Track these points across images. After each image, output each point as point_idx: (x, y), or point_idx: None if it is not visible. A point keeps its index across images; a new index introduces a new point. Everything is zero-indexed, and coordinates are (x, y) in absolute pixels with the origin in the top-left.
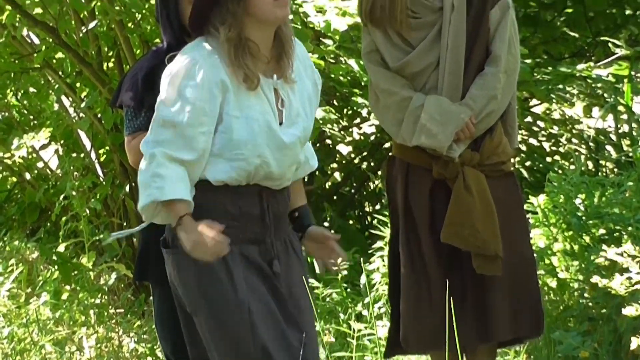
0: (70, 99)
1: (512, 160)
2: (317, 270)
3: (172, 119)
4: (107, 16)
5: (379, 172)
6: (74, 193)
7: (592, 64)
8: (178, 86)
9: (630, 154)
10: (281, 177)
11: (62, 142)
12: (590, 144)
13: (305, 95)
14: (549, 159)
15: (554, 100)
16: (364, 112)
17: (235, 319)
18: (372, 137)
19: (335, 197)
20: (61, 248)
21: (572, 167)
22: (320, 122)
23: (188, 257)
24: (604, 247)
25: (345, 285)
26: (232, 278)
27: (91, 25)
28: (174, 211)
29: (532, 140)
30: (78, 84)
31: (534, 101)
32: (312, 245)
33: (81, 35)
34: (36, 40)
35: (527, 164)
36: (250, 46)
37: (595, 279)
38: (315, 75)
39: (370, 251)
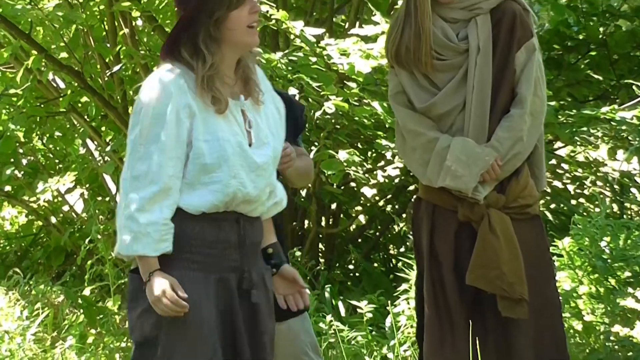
0: (95, 142)
1: (538, 202)
2: (336, 313)
3: (146, 152)
4: (132, 60)
5: (404, 215)
6: (99, 236)
7: (616, 106)
8: (149, 117)
9: None
10: (257, 200)
11: (87, 185)
12: (615, 186)
13: (271, 118)
14: (573, 202)
15: (578, 143)
16: (389, 155)
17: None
18: (397, 180)
19: (359, 240)
20: (87, 292)
21: (597, 209)
22: (345, 164)
23: None
24: (630, 289)
25: (370, 328)
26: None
27: (116, 68)
28: (145, 265)
29: (557, 183)
30: (103, 128)
31: (558, 144)
32: (281, 283)
33: (106, 79)
34: (62, 85)
35: (552, 206)
36: (221, 70)
37: (616, 328)
38: (276, 100)
39: (395, 294)
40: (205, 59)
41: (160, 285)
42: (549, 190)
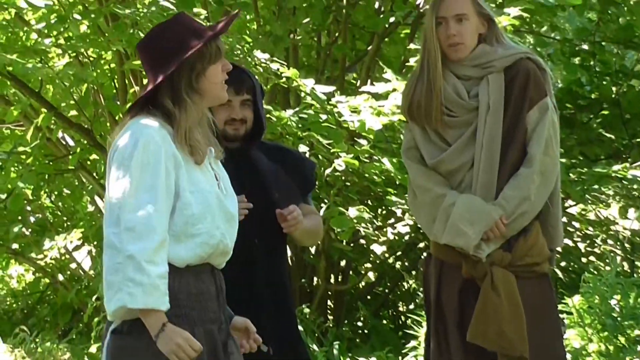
0: (103, 199)
1: (547, 261)
2: None
3: (138, 203)
4: None
5: (413, 272)
6: None
7: (628, 165)
8: (138, 167)
9: None
10: (229, 252)
11: (94, 243)
12: (626, 245)
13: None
14: (584, 260)
15: (589, 201)
16: (399, 212)
17: None
18: (407, 237)
19: (369, 297)
20: (93, 349)
21: (608, 268)
22: (355, 221)
23: (142, 346)
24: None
25: None
26: None
27: None
28: (154, 319)
29: (568, 241)
30: None
31: (569, 202)
32: (236, 334)
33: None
34: (71, 142)
35: (563, 264)
36: (202, 121)
37: None
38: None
39: (404, 350)
40: (187, 109)
41: (178, 333)
42: (559, 248)
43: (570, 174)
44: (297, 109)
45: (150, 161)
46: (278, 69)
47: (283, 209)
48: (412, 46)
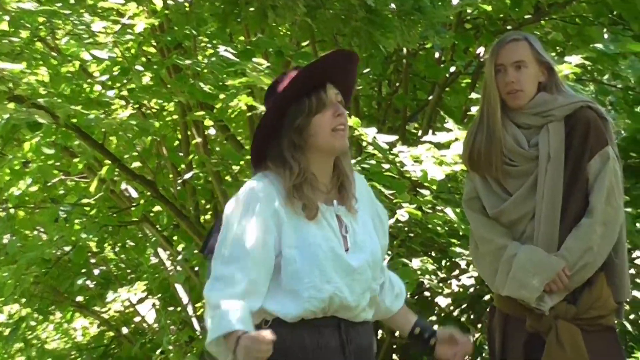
0: (167, 252)
1: (613, 313)
2: None
3: (230, 255)
4: (204, 168)
5: (479, 325)
6: (170, 347)
7: None
8: (236, 223)
9: None
10: (357, 306)
11: (158, 295)
12: None
13: (369, 225)
14: None
15: None
16: (463, 263)
17: None
18: (472, 289)
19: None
20: None
21: None
22: (418, 272)
23: None
24: None
25: None
26: None
27: (188, 175)
28: (230, 340)
29: (636, 293)
30: (175, 237)
31: (637, 252)
32: (444, 348)
33: (179, 188)
34: (134, 194)
35: (632, 317)
36: (309, 177)
37: None
38: (378, 208)
39: None
40: (291, 168)
41: (247, 337)
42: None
43: (637, 224)
44: (359, 158)
45: (248, 218)
46: None
47: None
48: (473, 95)
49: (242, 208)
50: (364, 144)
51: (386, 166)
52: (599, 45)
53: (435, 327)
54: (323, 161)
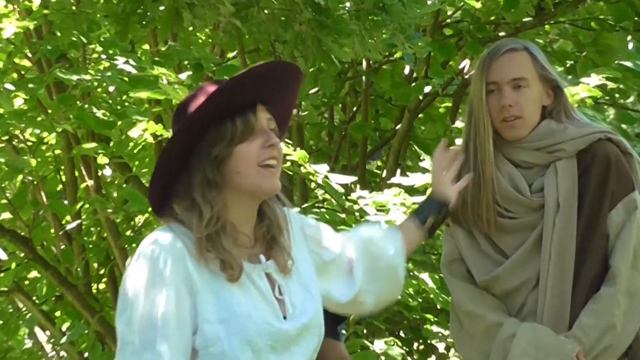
0: (47, 332)
1: None
2: None
3: (141, 342)
4: (96, 217)
5: None
6: None
7: None
8: (142, 296)
9: None
10: None
11: None
12: None
13: (308, 272)
14: None
15: None
16: (441, 347)
17: None
18: None
19: None
20: None
21: None
22: (382, 358)
23: None
24: None
25: None
26: None
27: (72, 225)
28: None
29: None
30: (58, 313)
31: None
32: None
33: (62, 246)
34: (3, 256)
35: None
36: (227, 225)
37: None
38: (304, 224)
39: None
40: (201, 212)
41: None
42: None
43: None
44: (305, 205)
45: (157, 288)
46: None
47: None
48: (456, 124)
49: (147, 275)
50: (313, 185)
51: (342, 216)
52: (628, 63)
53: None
54: (244, 205)
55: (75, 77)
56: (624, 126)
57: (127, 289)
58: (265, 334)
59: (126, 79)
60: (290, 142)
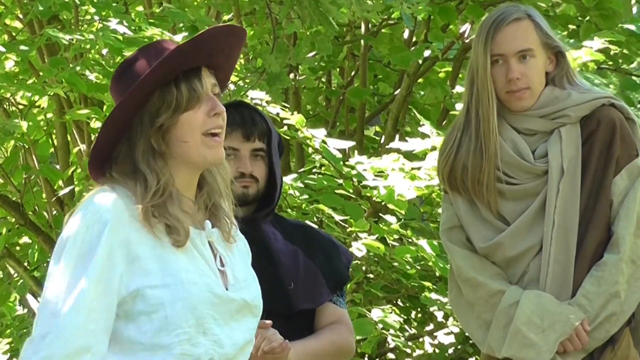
0: (38, 299)
1: None
2: None
3: (63, 302)
4: (89, 181)
5: None
6: None
7: None
8: (74, 255)
9: None
10: (233, 357)
11: None
12: None
13: (246, 256)
14: None
15: None
16: (440, 315)
17: None
18: (451, 350)
19: None
20: None
21: None
22: (380, 326)
23: None
24: None
25: None
26: None
27: (65, 191)
28: None
29: None
30: None
31: None
32: None
33: (54, 212)
34: None
35: None
36: (175, 193)
37: None
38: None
39: None
40: (147, 182)
41: None
42: None
43: None
44: (301, 170)
45: (91, 249)
46: (278, 114)
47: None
48: (457, 89)
49: (82, 236)
50: (310, 150)
51: (339, 181)
52: (631, 26)
53: None
54: (188, 173)
55: (67, 37)
56: (627, 92)
57: (60, 246)
58: (208, 303)
59: (120, 38)
60: (288, 105)
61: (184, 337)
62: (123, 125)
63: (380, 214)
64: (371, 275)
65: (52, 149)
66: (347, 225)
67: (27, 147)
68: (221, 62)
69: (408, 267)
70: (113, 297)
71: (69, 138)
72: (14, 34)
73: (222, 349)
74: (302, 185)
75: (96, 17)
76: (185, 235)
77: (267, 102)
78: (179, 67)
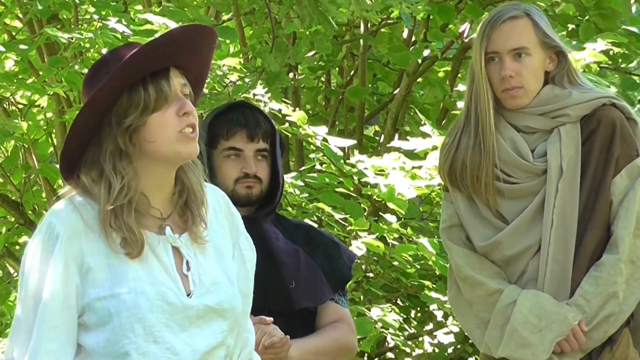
0: None
1: None
2: None
3: (24, 321)
4: None
5: None
6: None
7: None
8: (35, 273)
9: None
10: None
11: None
12: None
13: (226, 259)
14: None
15: None
16: (439, 315)
17: None
18: (450, 349)
19: None
20: None
21: None
22: (379, 325)
23: None
24: None
25: None
26: None
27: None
28: None
29: None
30: None
31: None
32: None
33: None
34: None
35: None
36: (135, 198)
37: None
38: (242, 239)
39: None
40: (110, 184)
41: None
42: None
43: None
44: (302, 169)
45: (46, 265)
46: (280, 110)
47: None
48: (458, 88)
49: (39, 252)
50: (311, 148)
51: (339, 180)
52: (633, 29)
53: None
54: (157, 173)
55: (66, 36)
56: (628, 92)
57: (23, 264)
58: (159, 311)
59: (119, 36)
60: (289, 102)
61: (131, 346)
62: (93, 128)
63: (380, 213)
64: (371, 274)
65: (51, 149)
66: (346, 224)
67: (26, 146)
68: (191, 62)
69: (408, 266)
70: (72, 309)
71: None
72: (13, 34)
73: (176, 356)
74: (302, 184)
75: (95, 17)
76: (140, 248)
77: (269, 98)
78: (142, 69)
